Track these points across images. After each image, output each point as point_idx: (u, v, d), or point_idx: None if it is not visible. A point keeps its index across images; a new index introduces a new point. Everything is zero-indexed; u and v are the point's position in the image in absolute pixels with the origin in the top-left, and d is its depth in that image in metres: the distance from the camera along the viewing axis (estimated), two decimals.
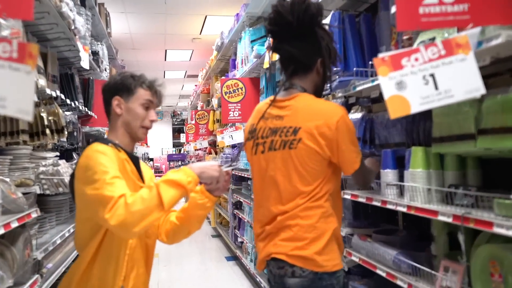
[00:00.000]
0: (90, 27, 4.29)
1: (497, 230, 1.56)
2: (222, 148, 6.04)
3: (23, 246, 2.28)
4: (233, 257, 6.79)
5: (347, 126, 1.78)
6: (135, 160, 2.19)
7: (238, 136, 5.18)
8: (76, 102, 3.91)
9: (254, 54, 4.51)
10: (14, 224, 2.04)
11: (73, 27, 3.28)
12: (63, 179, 2.65)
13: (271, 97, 1.90)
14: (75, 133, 3.95)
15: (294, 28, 1.78)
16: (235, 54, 6.11)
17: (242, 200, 6.08)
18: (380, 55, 1.54)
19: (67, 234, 3.27)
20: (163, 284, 5.72)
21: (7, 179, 2.34)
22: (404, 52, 1.51)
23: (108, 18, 5.84)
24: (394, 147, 2.46)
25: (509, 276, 1.63)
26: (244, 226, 6.02)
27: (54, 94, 3.00)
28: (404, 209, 2.09)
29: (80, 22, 3.47)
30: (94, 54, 4.76)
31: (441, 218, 1.94)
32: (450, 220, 1.88)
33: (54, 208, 3.49)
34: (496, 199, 1.67)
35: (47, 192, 2.58)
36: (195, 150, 10.76)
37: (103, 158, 1.75)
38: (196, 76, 10.87)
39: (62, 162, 2.94)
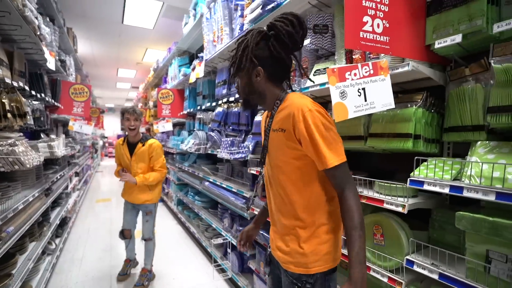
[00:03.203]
0: (57, 39, 3.37)
1: (387, 206, 1.29)
2: (155, 133, 5.19)
3: None
4: (161, 200, 6.64)
5: None
6: (130, 145, 2.78)
7: (167, 126, 4.84)
8: (43, 94, 3.24)
9: (183, 73, 4.06)
10: None
11: (38, 33, 2.13)
12: (19, 158, 1.60)
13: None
14: (42, 118, 3.19)
15: None
16: (167, 73, 6.17)
17: (168, 166, 5.89)
18: (331, 67, 0.83)
19: (31, 199, 2.50)
20: (115, 218, 5.41)
21: None
22: (348, 67, 0.89)
23: (75, 39, 4.78)
24: None
25: (387, 234, 1.43)
26: (170, 182, 5.98)
27: (16, 85, 1.92)
28: None
29: (46, 31, 2.34)
30: (62, 61, 4.29)
31: None
32: None
33: (20, 177, 2.67)
34: (377, 181, 1.44)
35: (1, 169, 1.51)
36: None
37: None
38: (137, 87, 9.98)
39: (21, 142, 1.90)
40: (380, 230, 1.42)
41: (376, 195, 1.36)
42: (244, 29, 2.42)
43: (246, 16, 2.36)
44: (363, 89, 1.04)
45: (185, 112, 4.71)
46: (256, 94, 1.18)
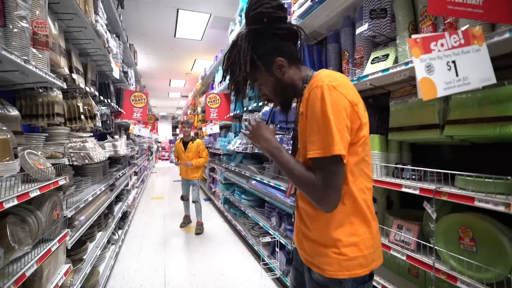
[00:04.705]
0: (121, 52, 3.52)
1: (479, 204, 1.01)
2: (203, 136, 5.36)
3: (51, 209, 1.33)
4: (208, 199, 6.79)
5: None
6: (184, 143, 4.39)
7: (215, 128, 4.88)
8: (109, 100, 3.52)
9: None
10: (34, 193, 1.06)
11: (107, 46, 2.24)
12: (89, 153, 1.64)
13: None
14: (108, 122, 3.42)
15: None
16: (213, 80, 6.23)
17: (215, 167, 5.90)
18: (413, 36, 0.60)
19: (98, 192, 2.62)
20: (167, 214, 5.61)
21: (38, 152, 1.31)
22: (433, 36, 0.63)
23: (136, 54, 4.87)
24: None
25: (481, 239, 1.15)
26: (216, 182, 5.96)
27: (89, 90, 1.98)
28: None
29: (113, 43, 2.45)
30: (125, 73, 4.62)
31: (405, 190, 1.27)
32: (416, 192, 1.21)
33: (89, 173, 2.85)
34: (459, 176, 1.16)
35: (75, 163, 1.58)
36: None
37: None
38: (187, 96, 10.27)
39: (91, 140, 1.96)
40: (470, 234, 1.14)
41: (462, 192, 1.08)
42: None
43: (293, 13, 2.22)
44: (453, 62, 0.82)
45: (231, 114, 4.67)
46: (289, 88, 0.97)
